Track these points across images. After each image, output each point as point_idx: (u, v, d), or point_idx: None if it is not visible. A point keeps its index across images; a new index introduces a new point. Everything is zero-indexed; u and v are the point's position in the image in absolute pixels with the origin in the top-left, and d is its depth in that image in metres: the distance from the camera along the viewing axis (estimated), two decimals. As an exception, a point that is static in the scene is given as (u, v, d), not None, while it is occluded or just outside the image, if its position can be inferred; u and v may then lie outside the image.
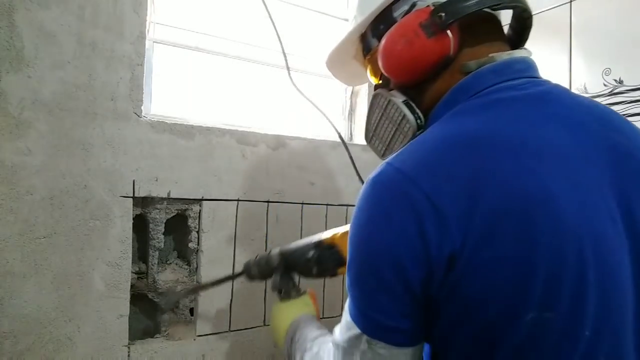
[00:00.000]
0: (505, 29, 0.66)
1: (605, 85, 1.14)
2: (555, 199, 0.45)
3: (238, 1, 1.33)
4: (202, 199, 1.14)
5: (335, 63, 0.79)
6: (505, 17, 0.68)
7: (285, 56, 1.14)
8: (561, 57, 1.25)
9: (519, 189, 0.45)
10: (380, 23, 0.64)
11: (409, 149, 0.50)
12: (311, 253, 0.83)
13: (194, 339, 1.13)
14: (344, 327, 0.54)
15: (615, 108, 1.12)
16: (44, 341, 0.92)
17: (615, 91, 1.12)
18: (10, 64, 0.89)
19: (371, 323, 0.50)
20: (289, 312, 0.84)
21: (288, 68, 1.13)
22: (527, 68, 0.57)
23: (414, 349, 0.51)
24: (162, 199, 1.09)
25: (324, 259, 0.82)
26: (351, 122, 1.56)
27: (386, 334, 0.49)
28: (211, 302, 1.16)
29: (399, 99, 0.62)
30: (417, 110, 0.61)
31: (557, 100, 0.54)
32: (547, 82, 0.57)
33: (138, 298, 1.11)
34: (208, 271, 1.15)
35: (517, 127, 0.49)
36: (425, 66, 0.57)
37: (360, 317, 0.51)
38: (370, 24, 0.66)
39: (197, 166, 1.12)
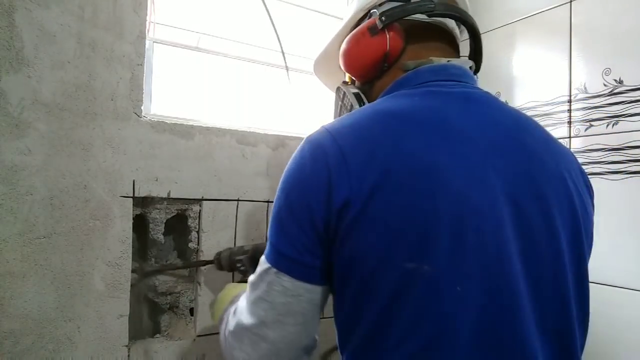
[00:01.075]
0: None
1: (605, 85, 1.14)
2: (442, 169, 0.51)
3: (238, 1, 1.33)
4: (202, 199, 1.14)
5: (324, 73, 0.92)
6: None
7: (283, 53, 1.15)
8: (561, 57, 1.25)
9: (408, 154, 0.52)
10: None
11: (343, 117, 0.60)
12: None
13: (194, 339, 1.13)
14: (258, 267, 0.61)
15: (615, 108, 1.12)
16: (44, 341, 0.92)
17: (615, 91, 1.12)
18: (10, 64, 0.89)
19: (280, 257, 0.57)
20: (238, 288, 0.87)
21: (286, 67, 1.14)
22: (463, 74, 0.65)
23: (316, 288, 0.57)
24: (162, 199, 1.09)
25: None
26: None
27: (292, 266, 0.56)
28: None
29: (352, 90, 0.74)
30: (365, 100, 0.72)
31: (479, 100, 0.62)
32: (477, 89, 0.65)
33: (138, 298, 1.11)
34: (207, 271, 1.15)
35: (432, 111, 0.57)
36: (370, 60, 0.67)
37: (272, 253, 0.58)
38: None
39: (197, 166, 1.12)
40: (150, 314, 1.17)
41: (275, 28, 1.16)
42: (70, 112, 0.95)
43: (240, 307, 0.63)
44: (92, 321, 0.98)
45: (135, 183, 1.03)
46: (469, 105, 0.60)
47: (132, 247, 1.04)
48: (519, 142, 0.58)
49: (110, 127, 1.00)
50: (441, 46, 0.69)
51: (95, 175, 0.98)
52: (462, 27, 0.72)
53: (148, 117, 1.07)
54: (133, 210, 1.04)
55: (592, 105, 1.17)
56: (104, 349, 0.99)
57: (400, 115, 0.57)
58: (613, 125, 1.12)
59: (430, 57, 0.65)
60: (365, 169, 0.51)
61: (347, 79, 0.81)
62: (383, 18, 0.66)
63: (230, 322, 0.64)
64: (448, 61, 0.66)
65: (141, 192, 1.04)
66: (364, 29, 0.68)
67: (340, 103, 0.78)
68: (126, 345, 1.02)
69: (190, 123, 1.13)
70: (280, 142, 1.26)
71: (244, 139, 1.20)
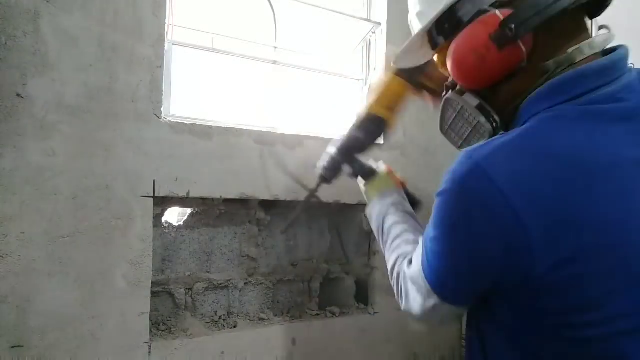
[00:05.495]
0: None
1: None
2: (621, 225, 0.48)
3: (255, 3, 1.34)
4: (221, 199, 1.15)
5: (404, 57, 0.78)
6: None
7: (274, 48, 1.15)
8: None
9: (614, 222, 0.48)
10: (444, 22, 0.63)
11: (499, 152, 0.52)
12: (354, 129, 0.95)
13: (214, 337, 1.14)
14: (420, 280, 0.62)
15: None
16: (69, 337, 0.95)
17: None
18: (35, 69, 0.92)
19: (445, 289, 0.59)
20: (372, 189, 0.92)
21: (274, 61, 1.15)
22: (613, 66, 0.54)
23: (458, 308, 0.61)
24: (182, 198, 1.10)
25: (366, 126, 0.94)
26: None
27: (451, 295, 0.59)
28: (230, 300, 1.17)
29: (472, 102, 0.63)
30: (493, 114, 0.61)
31: None
32: (633, 80, 0.55)
33: (159, 295, 1.13)
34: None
35: (611, 149, 0.50)
36: (499, 76, 0.58)
37: (437, 283, 0.59)
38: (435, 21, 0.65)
39: (216, 166, 1.13)
40: (171, 312, 1.19)
41: (275, 25, 1.17)
42: (92, 114, 0.98)
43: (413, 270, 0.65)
44: (114, 318, 1.00)
45: (155, 183, 1.05)
46: (633, 127, 0.51)
47: (153, 245, 1.06)
48: None
49: (131, 129, 1.02)
50: (573, 29, 0.57)
51: (116, 176, 1.00)
52: None
53: (168, 118, 1.09)
54: (153, 209, 1.05)
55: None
56: (126, 345, 1.01)
57: (577, 160, 0.49)
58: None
59: (569, 50, 0.55)
60: (554, 237, 0.48)
61: (441, 68, 0.70)
62: (513, 27, 0.53)
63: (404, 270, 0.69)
64: (592, 53, 0.55)
65: (161, 192, 1.06)
66: (486, 39, 0.55)
67: (455, 114, 0.67)
68: (147, 342, 1.04)
69: (209, 124, 1.15)
70: (297, 142, 1.26)
71: (262, 139, 1.20)
